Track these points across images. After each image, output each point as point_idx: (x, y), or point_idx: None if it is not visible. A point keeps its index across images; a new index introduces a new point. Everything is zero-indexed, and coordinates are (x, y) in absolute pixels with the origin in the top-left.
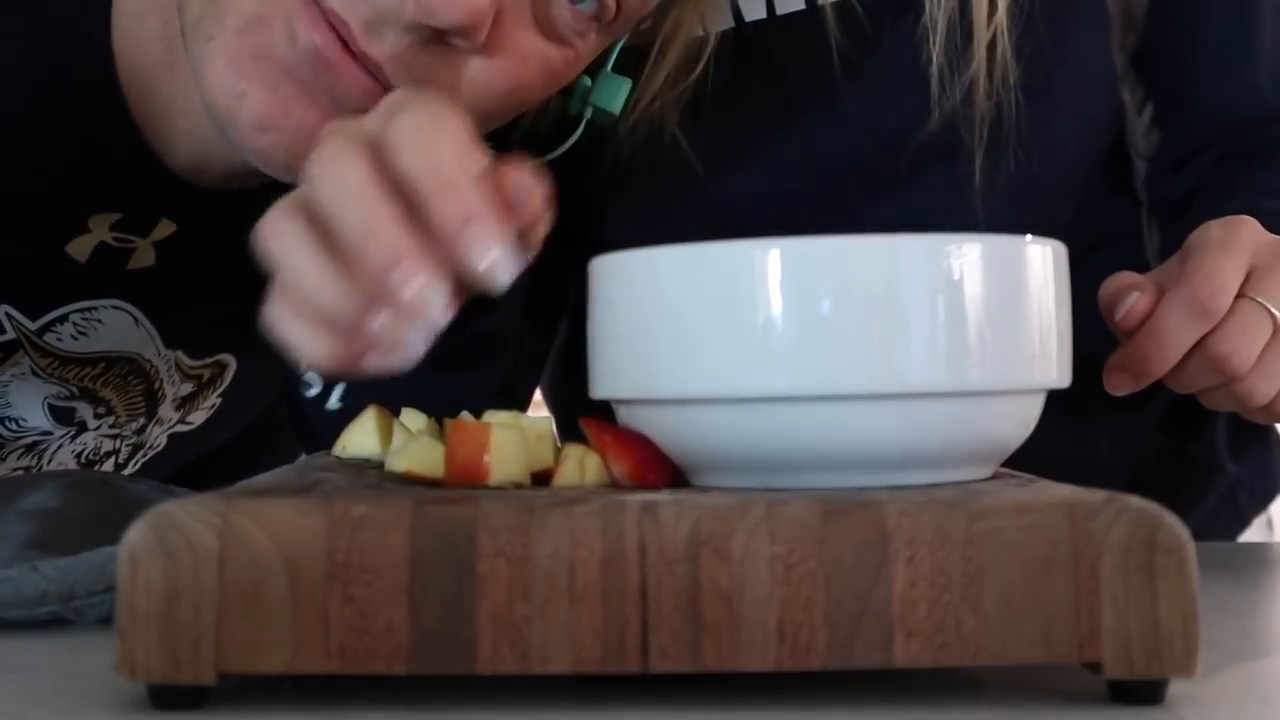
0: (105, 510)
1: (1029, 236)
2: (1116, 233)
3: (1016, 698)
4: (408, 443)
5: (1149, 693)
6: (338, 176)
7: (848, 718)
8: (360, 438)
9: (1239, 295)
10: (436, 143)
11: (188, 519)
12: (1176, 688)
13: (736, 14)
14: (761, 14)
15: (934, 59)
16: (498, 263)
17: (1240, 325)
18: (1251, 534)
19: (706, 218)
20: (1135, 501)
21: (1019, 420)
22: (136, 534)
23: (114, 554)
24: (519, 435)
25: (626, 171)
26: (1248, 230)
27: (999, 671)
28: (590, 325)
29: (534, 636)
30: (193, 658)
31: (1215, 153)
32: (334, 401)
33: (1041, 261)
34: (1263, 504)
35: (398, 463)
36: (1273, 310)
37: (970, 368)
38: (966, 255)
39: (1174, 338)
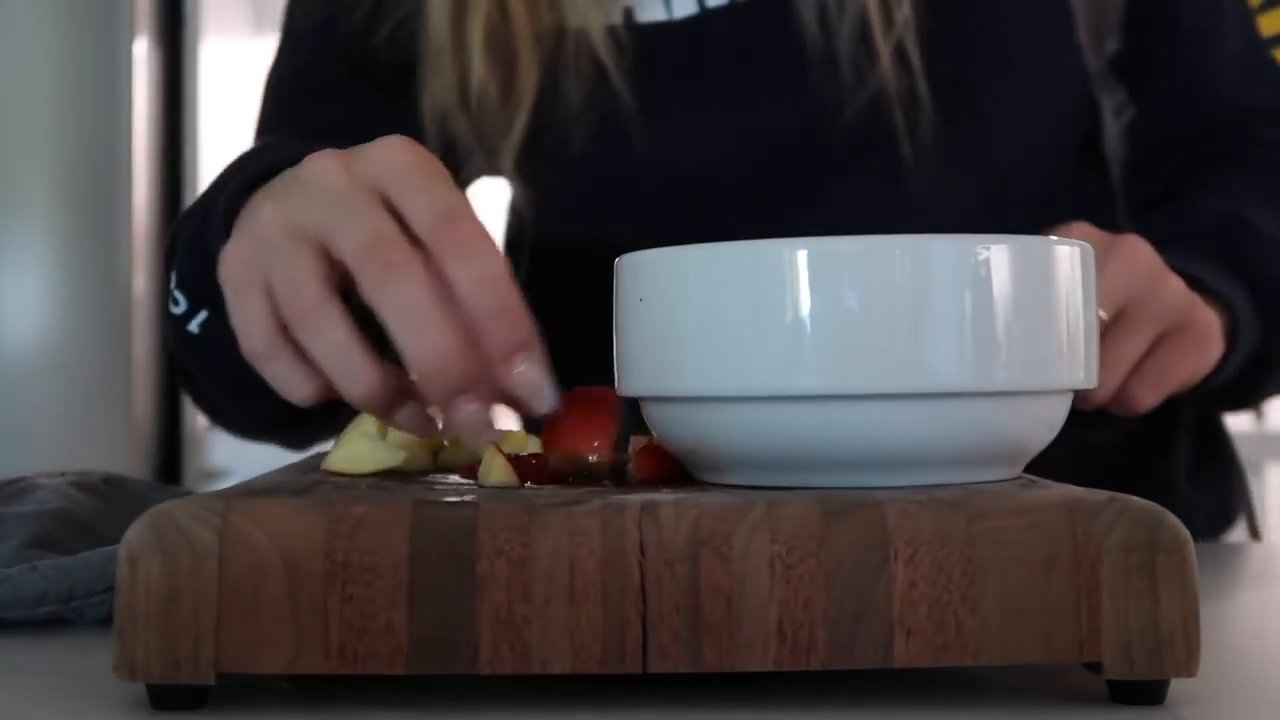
0: (105, 509)
1: (1055, 237)
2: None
3: (1016, 698)
4: (338, 441)
5: (1149, 693)
6: (401, 296)
7: (848, 718)
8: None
9: None
10: (486, 265)
11: (187, 519)
12: (1177, 688)
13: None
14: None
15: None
16: (541, 391)
17: None
18: None
19: (655, 190)
20: (1136, 502)
21: (1045, 421)
22: (136, 534)
23: (114, 554)
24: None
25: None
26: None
27: (999, 671)
28: (618, 323)
29: (534, 636)
30: (192, 658)
31: (1188, 155)
32: (195, 326)
33: (1069, 262)
34: (1216, 532)
35: (328, 463)
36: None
37: (998, 368)
38: (994, 255)
39: None
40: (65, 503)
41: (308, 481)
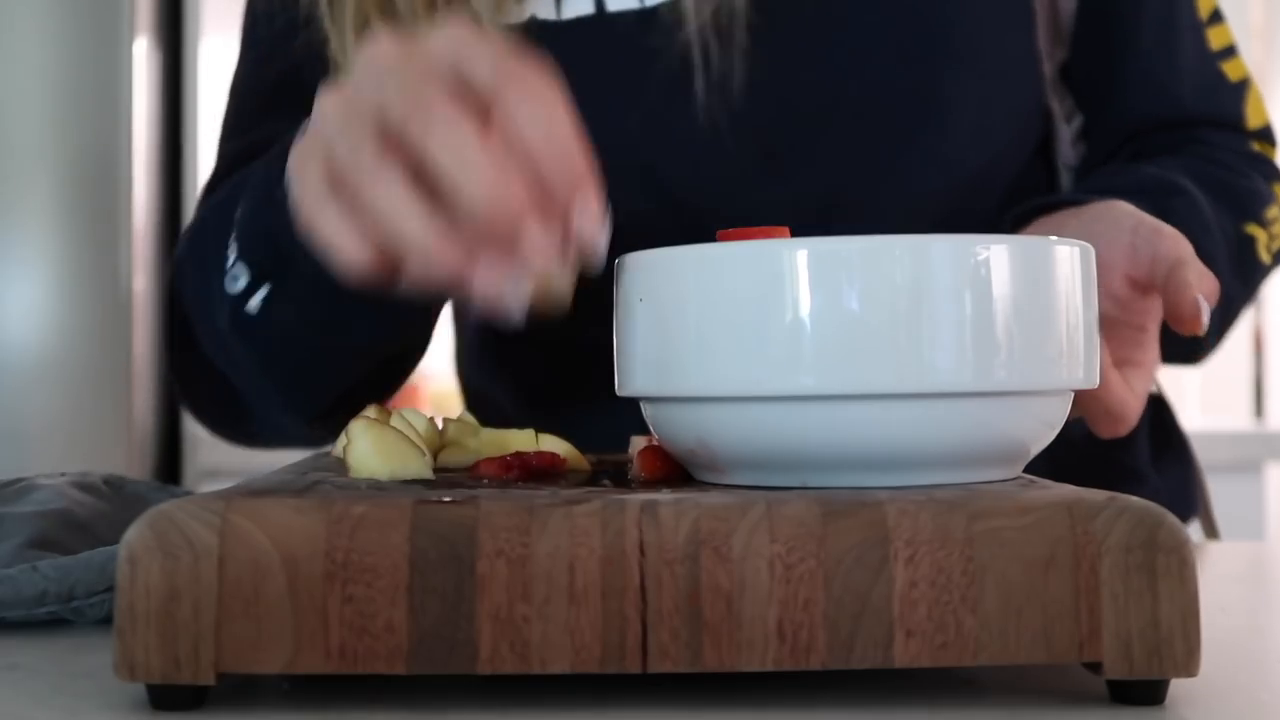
0: (105, 509)
1: (1054, 237)
2: None
3: (1016, 698)
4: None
5: (1149, 693)
6: (450, 137)
7: (848, 718)
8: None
9: None
10: (549, 105)
11: (187, 519)
12: (1177, 688)
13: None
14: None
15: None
16: (598, 234)
17: None
18: None
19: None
20: (1136, 502)
21: (1045, 421)
22: (136, 533)
23: (114, 554)
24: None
25: None
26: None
27: (999, 671)
28: (618, 323)
29: (534, 636)
30: (192, 658)
31: (1134, 147)
32: (255, 304)
33: (1069, 261)
34: (1181, 519)
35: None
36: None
37: (997, 367)
38: (994, 255)
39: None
40: (65, 503)
41: (307, 481)
